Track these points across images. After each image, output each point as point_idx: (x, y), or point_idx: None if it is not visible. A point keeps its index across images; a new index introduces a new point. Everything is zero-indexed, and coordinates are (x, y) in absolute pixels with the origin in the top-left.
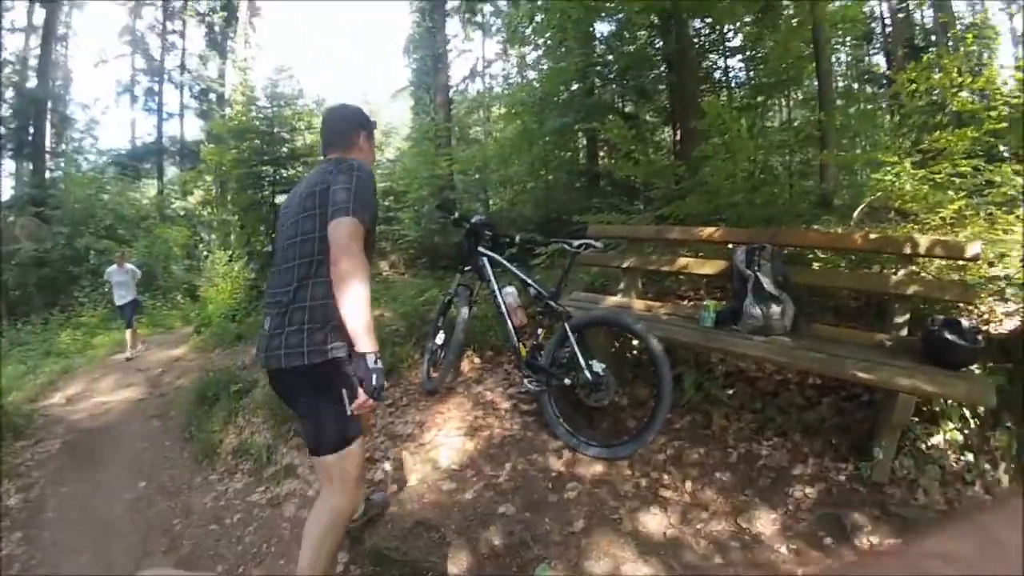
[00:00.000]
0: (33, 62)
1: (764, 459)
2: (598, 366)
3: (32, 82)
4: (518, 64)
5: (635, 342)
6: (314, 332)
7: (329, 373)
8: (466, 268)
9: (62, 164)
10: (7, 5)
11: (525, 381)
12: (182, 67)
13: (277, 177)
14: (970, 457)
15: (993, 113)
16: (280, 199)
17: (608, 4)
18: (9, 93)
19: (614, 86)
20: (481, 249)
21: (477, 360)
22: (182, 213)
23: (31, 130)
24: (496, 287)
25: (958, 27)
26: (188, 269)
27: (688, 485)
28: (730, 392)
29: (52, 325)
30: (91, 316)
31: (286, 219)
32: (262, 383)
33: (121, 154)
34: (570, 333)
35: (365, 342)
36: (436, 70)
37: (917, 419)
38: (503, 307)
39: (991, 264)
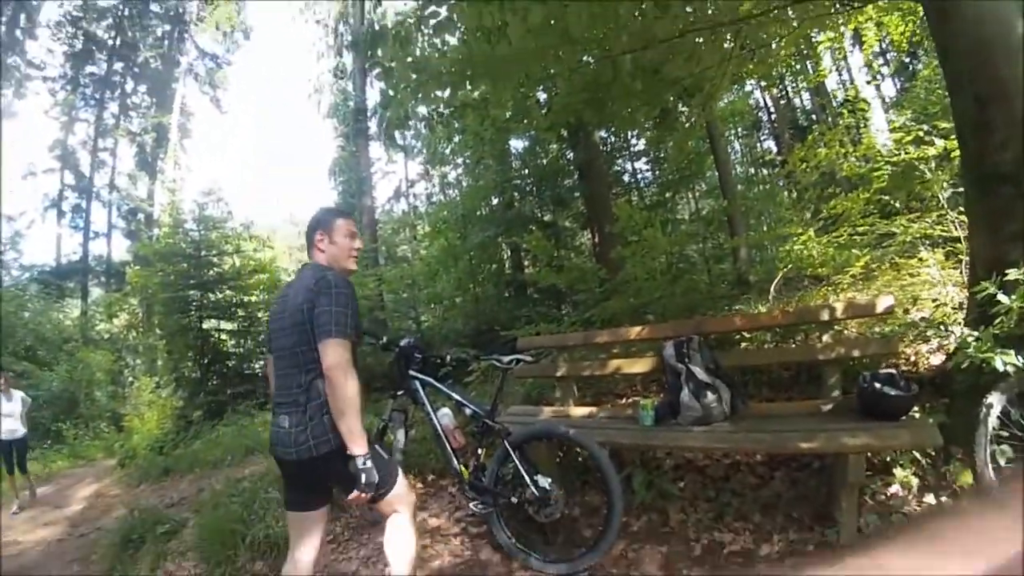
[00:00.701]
0: None
1: (729, 545)
2: (544, 480)
3: None
4: (440, 183)
5: (578, 450)
6: (331, 420)
7: None
8: (399, 392)
9: None
10: None
11: (471, 504)
12: (111, 185)
13: (204, 301)
14: (931, 497)
15: (878, 174)
16: (208, 324)
17: (517, 125)
18: None
19: (532, 197)
20: (412, 372)
21: (419, 485)
22: (106, 336)
23: None
24: (431, 409)
25: (834, 104)
26: (112, 396)
27: None
28: (681, 485)
29: None
30: None
31: (281, 326)
32: (191, 523)
33: (45, 271)
34: (511, 450)
35: (356, 446)
36: (361, 192)
37: (871, 473)
38: (440, 430)
39: (906, 311)
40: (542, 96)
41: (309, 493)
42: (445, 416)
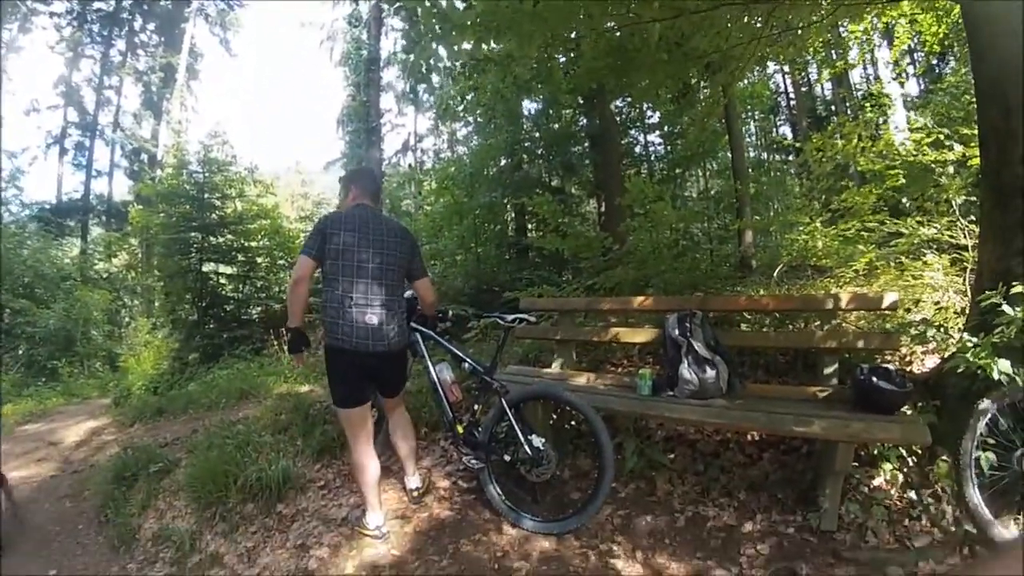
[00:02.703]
0: None
1: (712, 520)
2: (538, 440)
3: None
4: (449, 140)
5: (573, 413)
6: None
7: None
8: None
9: None
10: None
11: (464, 458)
12: (115, 124)
13: (205, 244)
14: (913, 494)
15: (893, 172)
16: (207, 267)
17: (537, 86)
18: None
19: (541, 161)
20: (413, 325)
21: None
22: (105, 276)
23: None
24: (430, 363)
25: (856, 97)
26: (109, 336)
27: (639, 555)
28: (672, 456)
29: None
30: (2, 380)
31: (363, 245)
32: (184, 463)
33: (45, 208)
34: (507, 408)
35: None
36: (369, 143)
37: (857, 464)
38: (438, 384)
39: (908, 311)
40: (562, 59)
41: (371, 383)
42: (444, 370)
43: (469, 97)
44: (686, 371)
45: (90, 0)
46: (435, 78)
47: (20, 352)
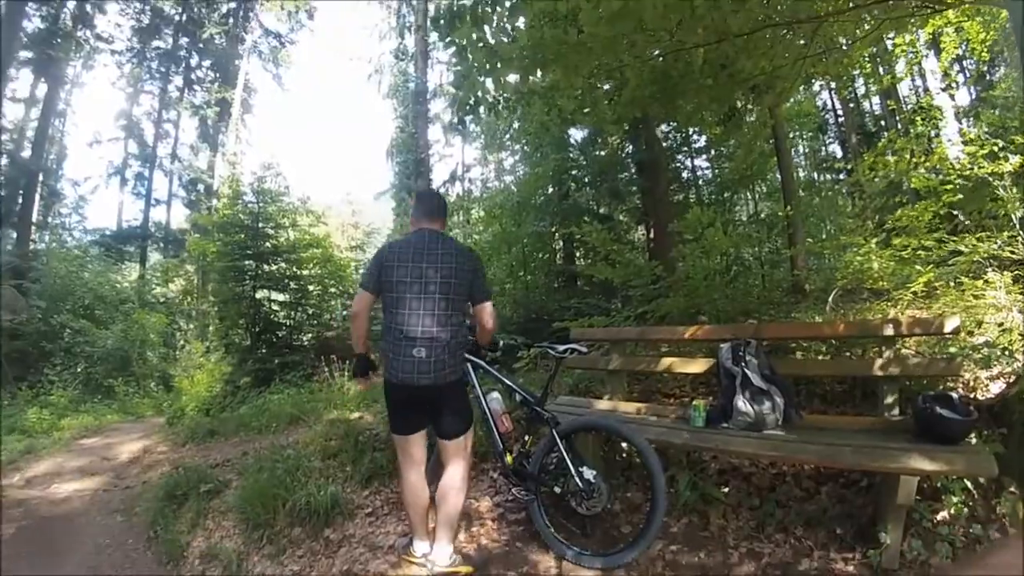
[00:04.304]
0: (30, 134)
1: (767, 557)
2: (589, 472)
3: (27, 152)
4: (496, 169)
5: (625, 445)
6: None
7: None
8: None
9: (47, 237)
10: (11, 75)
11: (513, 489)
12: (173, 155)
13: (259, 272)
14: (979, 528)
15: (948, 187)
16: (260, 294)
17: (582, 116)
18: (3, 160)
19: (588, 189)
20: (464, 354)
21: None
22: (162, 300)
23: (20, 199)
24: (481, 392)
25: (905, 110)
26: (164, 357)
27: None
28: (726, 490)
29: (19, 401)
30: (60, 396)
31: (415, 275)
32: (234, 484)
33: (106, 234)
34: (558, 439)
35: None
36: (418, 173)
37: (920, 497)
38: (488, 413)
39: (970, 333)
40: (606, 87)
41: (424, 415)
42: (495, 400)
43: (516, 126)
44: (741, 402)
45: (149, 39)
46: (481, 110)
47: (79, 370)
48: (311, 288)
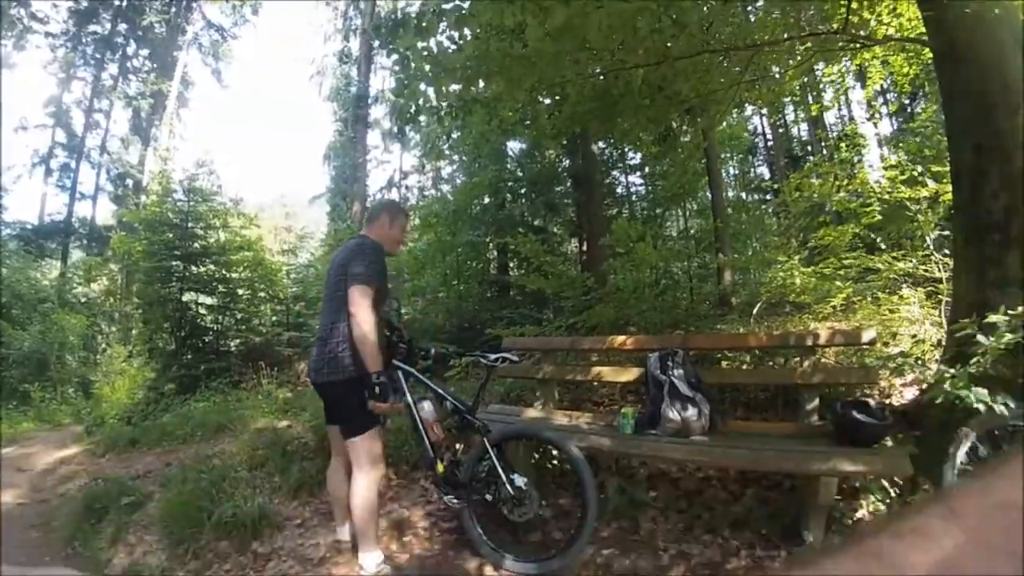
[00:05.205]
0: None
1: (696, 557)
2: (520, 479)
3: None
4: (434, 177)
5: (555, 453)
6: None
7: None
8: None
9: None
10: None
11: (445, 498)
12: (103, 147)
13: (186, 273)
14: None
15: (868, 209)
16: (187, 297)
17: (522, 128)
18: None
19: (524, 200)
20: (395, 362)
21: (392, 476)
22: (83, 300)
23: None
24: (412, 401)
25: (831, 137)
26: (83, 362)
27: None
28: (654, 495)
29: None
30: None
31: (328, 277)
32: (157, 496)
33: (26, 228)
34: (489, 447)
35: (372, 366)
36: (354, 179)
37: (840, 497)
38: (420, 421)
39: (886, 344)
40: (547, 101)
41: (329, 411)
42: (426, 408)
43: (455, 135)
44: (668, 409)
45: (86, 23)
46: (422, 119)
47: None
48: (240, 292)
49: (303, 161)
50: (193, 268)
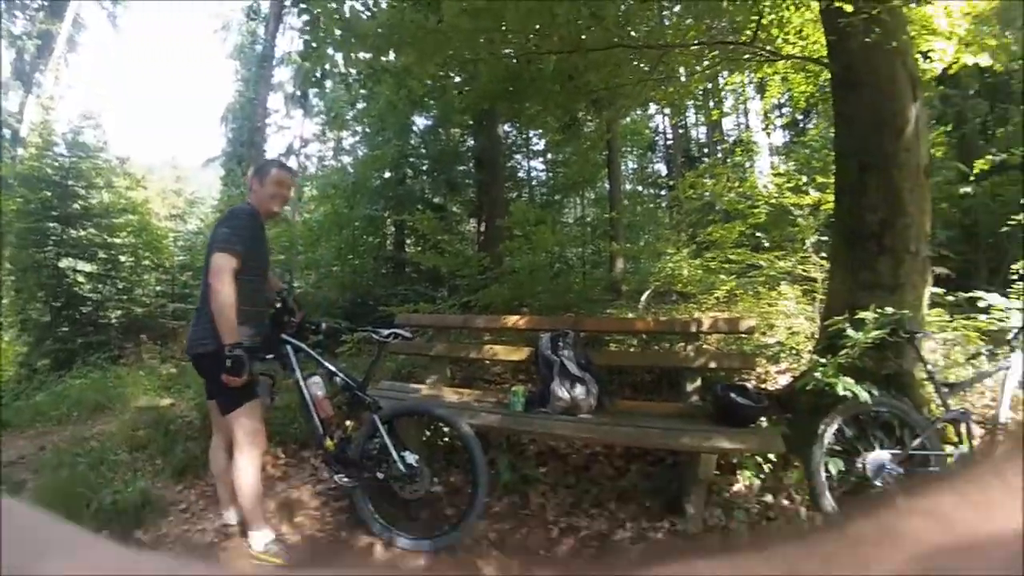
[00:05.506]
0: None
1: (585, 530)
2: (411, 457)
3: None
4: (335, 147)
5: (446, 430)
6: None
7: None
8: (267, 356)
9: None
10: None
11: (335, 476)
12: None
13: (64, 237)
14: (769, 498)
15: (755, 211)
16: (64, 263)
17: (430, 102)
18: None
19: (425, 177)
20: (284, 336)
21: (281, 455)
22: None
23: None
24: (301, 376)
25: (728, 142)
26: None
27: (515, 567)
28: (544, 471)
29: None
30: None
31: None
32: (30, 484)
33: None
34: (380, 424)
35: (228, 338)
36: (252, 143)
37: (719, 472)
38: (308, 398)
39: (763, 334)
40: (458, 79)
41: (207, 386)
42: (315, 384)
43: (361, 106)
44: (558, 388)
45: None
46: (328, 84)
47: None
48: (123, 259)
49: (199, 121)
50: (72, 231)
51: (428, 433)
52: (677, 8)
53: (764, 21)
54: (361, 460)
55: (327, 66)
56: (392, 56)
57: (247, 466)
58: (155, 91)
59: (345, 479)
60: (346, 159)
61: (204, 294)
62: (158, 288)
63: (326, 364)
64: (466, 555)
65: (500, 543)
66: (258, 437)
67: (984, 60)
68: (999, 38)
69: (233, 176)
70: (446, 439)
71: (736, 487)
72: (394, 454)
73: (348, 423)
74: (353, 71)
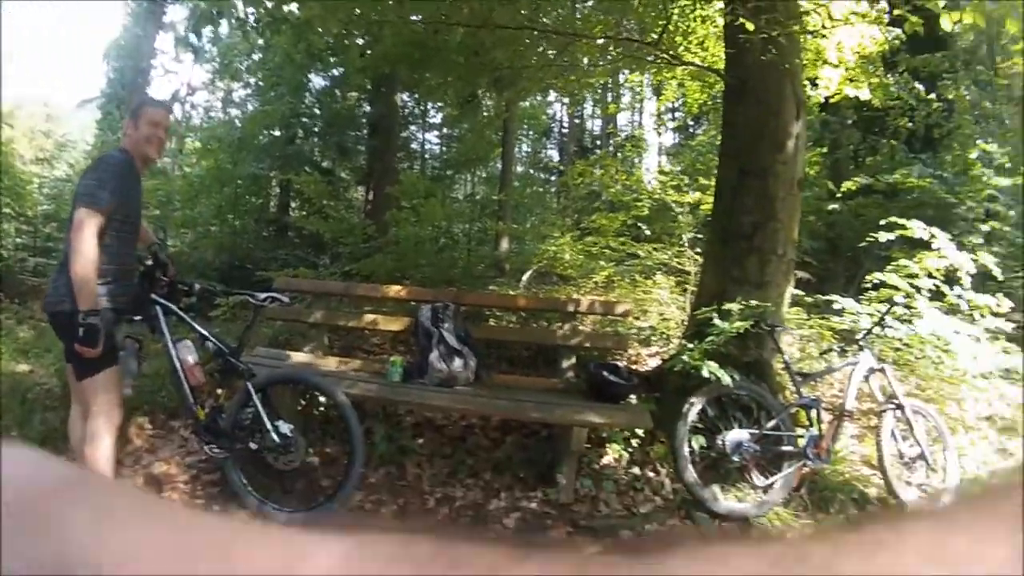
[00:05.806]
0: None
1: (460, 500)
2: (285, 427)
3: None
4: (224, 99)
5: (322, 399)
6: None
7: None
8: (135, 317)
9: None
10: None
11: (206, 448)
12: None
13: None
14: (637, 470)
15: (639, 204)
16: None
17: (329, 59)
18: None
19: (316, 139)
20: (155, 296)
21: (148, 426)
22: None
23: None
24: (171, 341)
25: (620, 136)
26: None
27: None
28: (420, 441)
29: None
30: None
31: None
32: None
33: None
34: (253, 392)
35: (82, 303)
36: (135, 86)
37: (590, 445)
38: (178, 364)
39: (636, 318)
40: (360, 41)
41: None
42: (186, 349)
43: (256, 57)
44: (436, 360)
45: None
46: (224, 28)
47: None
48: None
49: (78, 57)
50: None
51: (303, 402)
52: (591, 1)
53: (671, 27)
54: (233, 430)
55: (225, 7)
56: (295, 7)
57: (100, 439)
58: (30, 19)
59: (216, 450)
60: (235, 112)
61: (67, 248)
62: (18, 240)
63: (198, 328)
64: (341, 526)
65: (376, 513)
66: (114, 407)
67: (864, 94)
68: (881, 77)
69: (111, 120)
70: (322, 408)
71: (606, 460)
72: (268, 424)
73: (220, 391)
74: (252, 15)
